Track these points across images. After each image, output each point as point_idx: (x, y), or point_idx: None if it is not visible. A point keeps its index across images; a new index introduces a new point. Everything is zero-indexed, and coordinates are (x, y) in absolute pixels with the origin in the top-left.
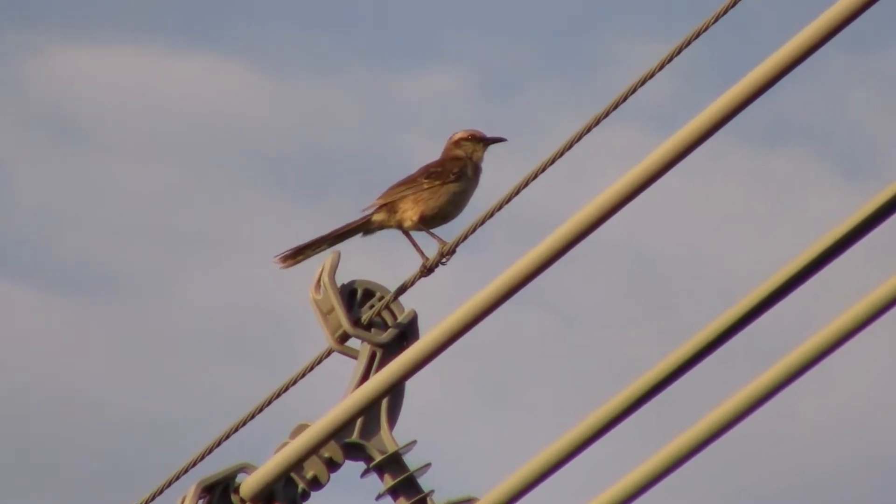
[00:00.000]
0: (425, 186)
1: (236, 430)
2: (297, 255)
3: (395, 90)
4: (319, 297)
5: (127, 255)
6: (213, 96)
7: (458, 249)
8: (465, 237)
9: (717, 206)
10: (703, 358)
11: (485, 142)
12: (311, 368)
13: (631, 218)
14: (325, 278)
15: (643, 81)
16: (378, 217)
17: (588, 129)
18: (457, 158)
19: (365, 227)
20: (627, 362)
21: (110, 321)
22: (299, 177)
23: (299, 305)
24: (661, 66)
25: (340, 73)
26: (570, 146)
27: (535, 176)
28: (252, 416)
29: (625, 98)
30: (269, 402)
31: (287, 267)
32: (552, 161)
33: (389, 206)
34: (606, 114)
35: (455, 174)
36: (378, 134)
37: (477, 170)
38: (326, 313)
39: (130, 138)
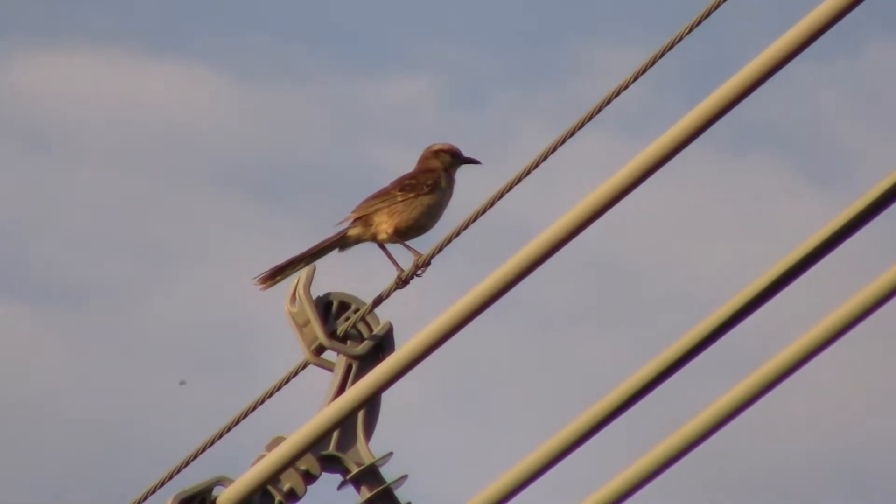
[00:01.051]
0: (399, 199)
1: (212, 442)
2: (276, 275)
3: (361, 98)
4: (295, 309)
5: (95, 265)
6: (181, 104)
7: (433, 261)
8: (440, 249)
9: (687, 214)
10: (680, 366)
11: (460, 159)
12: (288, 381)
13: (601, 224)
14: (301, 291)
15: (619, 92)
16: (354, 231)
17: (563, 141)
18: (431, 170)
19: (341, 242)
20: (604, 369)
21: (79, 333)
22: (268, 185)
23: (274, 317)
24: (636, 77)
25: (307, 81)
26: (544, 157)
27: (510, 188)
28: (228, 429)
29: (600, 109)
30: (246, 415)
31: (266, 288)
32: (527, 172)
33: (364, 220)
34: (582, 125)
35: (429, 186)
36: (345, 142)
37: (451, 181)
38: (302, 325)
39: (98, 147)
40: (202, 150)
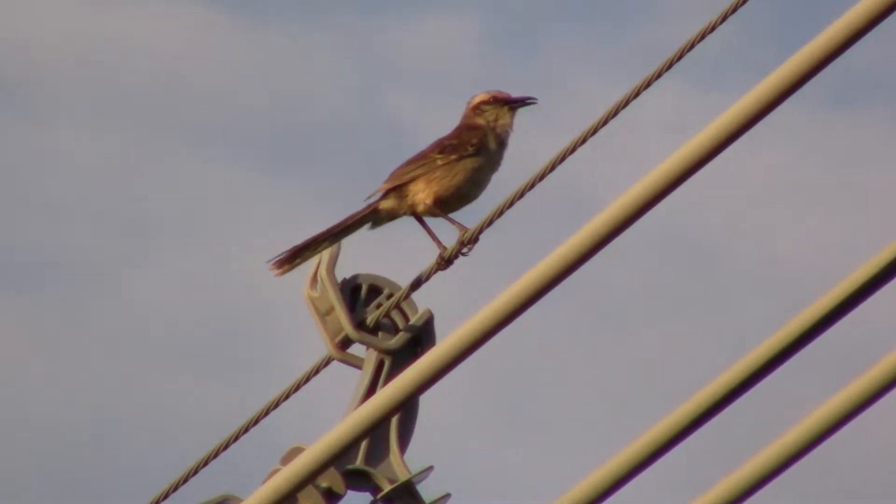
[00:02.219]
0: (439, 163)
1: (216, 454)
2: (294, 257)
3: (387, 40)
4: (316, 294)
5: (68, 240)
6: (170, 49)
7: (481, 237)
8: (489, 222)
9: (772, 180)
10: (775, 366)
11: (511, 105)
12: (307, 380)
13: (671, 196)
14: (323, 272)
15: (702, 36)
16: (386, 204)
17: (636, 93)
18: (475, 128)
19: (372, 217)
20: (679, 368)
21: (44, 319)
22: (274, 146)
23: (290, 303)
24: (724, 18)
25: (322, 18)
26: (614, 113)
27: (573, 149)
28: (236, 438)
29: (681, 55)
30: (257, 421)
31: (283, 273)
32: (593, 131)
33: (398, 191)
34: (659, 74)
35: (474, 146)
36: (367, 92)
37: (501, 140)
38: (325, 314)
39: (69, 102)
40: (195, 103)
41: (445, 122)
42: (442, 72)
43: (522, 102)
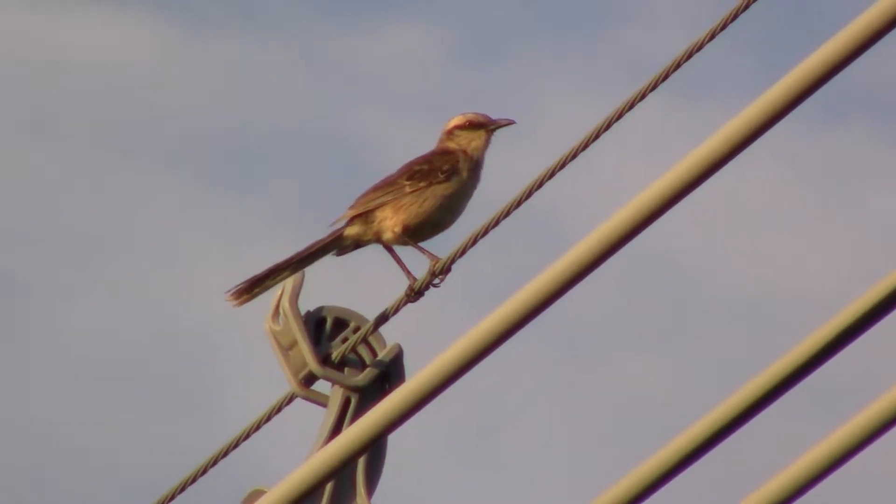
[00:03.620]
0: (407, 190)
1: (171, 497)
2: (253, 287)
3: (350, 51)
4: (278, 327)
5: (3, 261)
6: (115, 59)
7: (453, 267)
8: (462, 251)
9: (755, 199)
10: (767, 403)
11: (486, 128)
12: (268, 418)
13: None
14: (286, 304)
15: (689, 55)
16: (351, 231)
17: (618, 116)
18: (448, 153)
19: (336, 244)
20: (650, 398)
21: None
22: (227, 162)
23: (248, 336)
24: (713, 35)
25: (280, 29)
26: (595, 136)
27: (552, 174)
28: (192, 480)
29: (665, 76)
30: (215, 462)
31: (241, 304)
32: (573, 155)
33: (364, 217)
34: (643, 95)
35: (445, 173)
36: (328, 106)
37: (475, 166)
38: (287, 348)
39: (10, 114)
40: (143, 116)
41: (411, 137)
42: (408, 84)
43: (499, 125)
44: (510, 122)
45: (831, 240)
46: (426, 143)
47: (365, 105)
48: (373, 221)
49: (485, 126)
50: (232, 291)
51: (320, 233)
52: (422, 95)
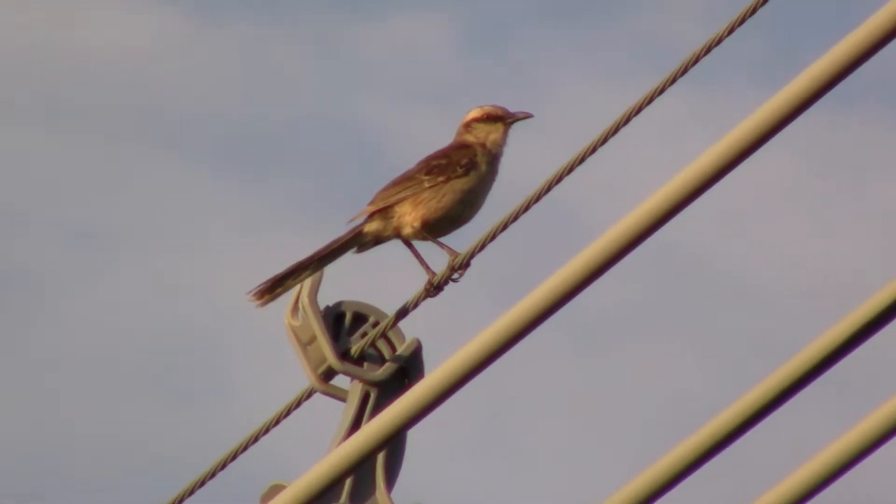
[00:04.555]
0: (426, 185)
1: (191, 492)
2: (275, 287)
3: (356, 41)
4: (298, 323)
5: (13, 252)
6: (127, 48)
7: (472, 262)
8: (481, 246)
9: (768, 187)
10: (792, 394)
11: (504, 121)
12: (287, 413)
13: None
14: (305, 299)
15: (708, 49)
16: (371, 227)
17: (638, 109)
18: (466, 146)
19: (356, 241)
20: (664, 389)
21: None
22: (237, 152)
23: (268, 331)
24: (731, 30)
25: (287, 18)
26: (614, 131)
27: (571, 169)
28: (212, 475)
29: (684, 70)
30: (234, 456)
31: (264, 304)
32: (592, 149)
33: (383, 213)
34: (662, 89)
35: (463, 167)
36: (336, 97)
37: (493, 159)
38: (307, 344)
39: (12, 100)
40: (153, 106)
41: (418, 128)
42: (415, 75)
43: (517, 118)
44: (528, 116)
45: (847, 228)
46: (433, 134)
47: (371, 95)
48: (392, 217)
49: (503, 119)
50: (254, 292)
51: (332, 223)
52: (429, 86)
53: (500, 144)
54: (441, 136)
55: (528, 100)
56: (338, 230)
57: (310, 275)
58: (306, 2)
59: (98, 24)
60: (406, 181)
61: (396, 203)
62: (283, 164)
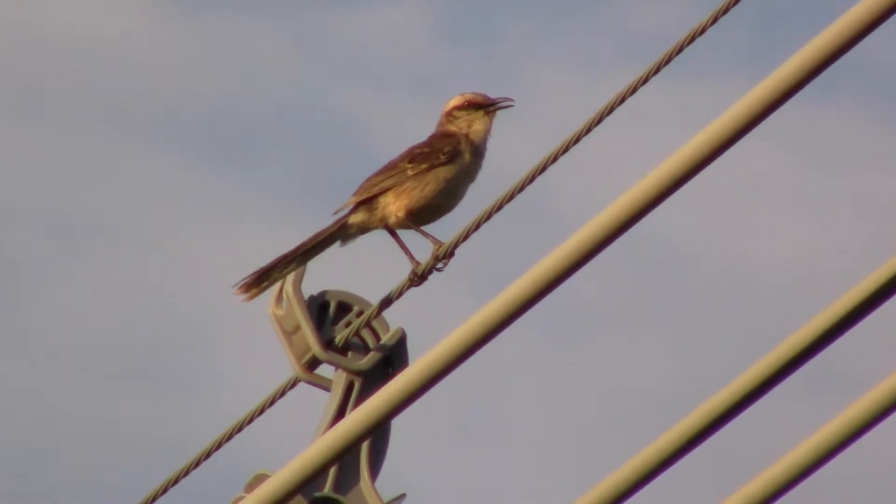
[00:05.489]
0: (409, 173)
1: (175, 481)
2: (261, 280)
3: (336, 30)
4: (282, 312)
5: None
6: (104, 36)
7: (456, 251)
8: (465, 235)
9: (745, 178)
10: (771, 386)
11: (486, 108)
12: (272, 402)
13: None
14: (289, 289)
15: (692, 38)
16: (356, 218)
17: (622, 99)
18: (449, 135)
19: (341, 233)
20: (643, 379)
21: None
22: (216, 140)
23: (251, 320)
24: (715, 19)
25: (266, 7)
26: (598, 121)
27: (555, 158)
28: (196, 464)
29: (668, 59)
30: (219, 446)
31: (251, 298)
32: (576, 139)
33: (368, 204)
34: (646, 78)
35: (446, 155)
36: (314, 86)
37: (477, 148)
38: (291, 333)
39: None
40: (132, 95)
41: (398, 116)
42: (393, 64)
43: (498, 106)
44: (509, 103)
45: (824, 218)
46: (412, 122)
47: (350, 84)
48: (377, 207)
49: (483, 107)
50: (239, 285)
51: (312, 213)
52: (408, 74)
53: (484, 133)
54: (420, 125)
55: (506, 88)
56: (318, 219)
57: (295, 268)
58: None
59: (72, 13)
60: (389, 170)
61: (380, 193)
62: (262, 154)
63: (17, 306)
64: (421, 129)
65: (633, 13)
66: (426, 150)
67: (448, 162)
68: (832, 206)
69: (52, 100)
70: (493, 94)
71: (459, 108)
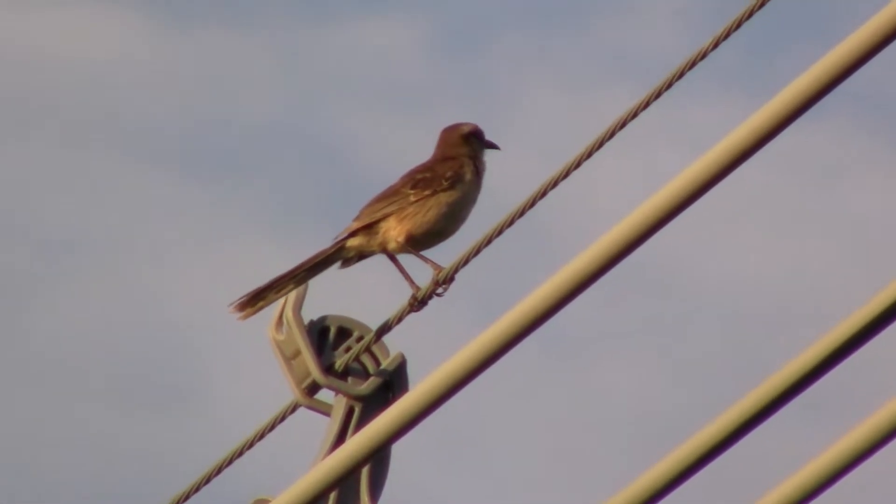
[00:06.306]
0: (412, 199)
1: None
2: (257, 300)
3: (325, 46)
4: (282, 337)
5: None
6: (93, 54)
7: (457, 276)
8: (465, 261)
9: (733, 195)
10: (772, 411)
11: (484, 143)
12: (272, 427)
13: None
14: (290, 313)
15: (692, 63)
16: (354, 242)
17: (622, 124)
18: (451, 158)
19: (340, 255)
20: (638, 399)
21: None
22: (203, 158)
23: (252, 345)
24: (717, 44)
25: (255, 25)
26: (598, 145)
27: (555, 183)
28: (196, 489)
29: (669, 85)
30: (219, 471)
31: (246, 317)
32: (577, 164)
33: (368, 228)
34: (647, 103)
35: (448, 180)
36: (304, 103)
37: (479, 172)
38: (291, 358)
39: None
40: (119, 112)
41: (386, 135)
42: (383, 81)
43: (489, 145)
44: (495, 147)
45: (811, 236)
46: (401, 140)
47: (341, 100)
48: (377, 233)
49: (482, 139)
50: (235, 304)
51: (302, 230)
52: (397, 92)
53: (483, 158)
54: (409, 143)
55: (496, 108)
56: (308, 236)
57: (292, 289)
58: (274, 7)
59: (62, 30)
60: (391, 196)
61: (382, 218)
62: (252, 171)
63: (10, 323)
64: (410, 147)
65: (625, 34)
66: (428, 175)
67: (450, 187)
68: (824, 226)
69: (44, 116)
70: (483, 123)
71: (476, 134)
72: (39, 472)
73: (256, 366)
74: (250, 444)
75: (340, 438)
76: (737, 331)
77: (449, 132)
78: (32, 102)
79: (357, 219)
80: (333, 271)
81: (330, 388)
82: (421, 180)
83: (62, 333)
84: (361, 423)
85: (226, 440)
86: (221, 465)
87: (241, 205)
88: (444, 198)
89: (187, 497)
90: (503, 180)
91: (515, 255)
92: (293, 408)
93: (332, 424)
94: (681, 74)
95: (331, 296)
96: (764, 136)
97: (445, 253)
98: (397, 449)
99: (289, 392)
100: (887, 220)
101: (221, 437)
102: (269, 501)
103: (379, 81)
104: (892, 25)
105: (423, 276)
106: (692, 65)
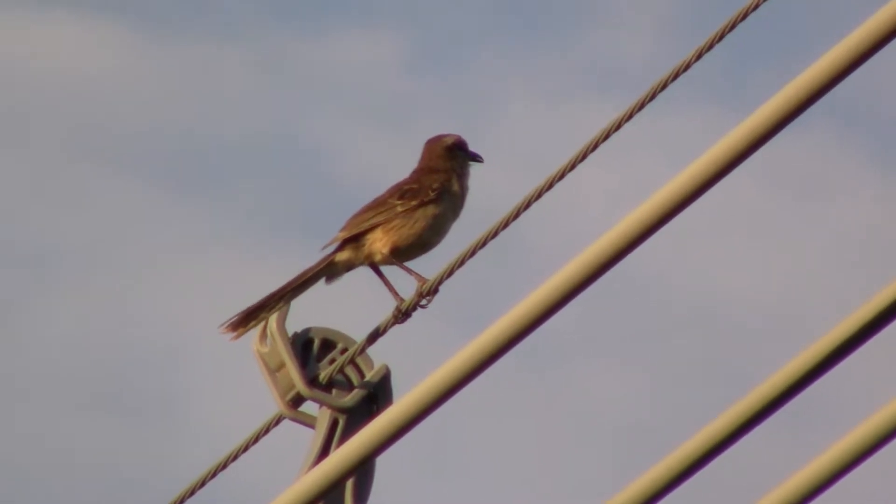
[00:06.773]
0: (399, 210)
1: None
2: (248, 319)
3: (307, 58)
4: (266, 349)
5: None
6: (75, 65)
7: (440, 288)
8: (449, 272)
9: (714, 206)
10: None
11: (468, 155)
12: (256, 440)
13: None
14: (273, 326)
15: (675, 75)
16: (342, 256)
17: (606, 136)
18: (436, 171)
19: (327, 270)
20: (616, 408)
21: None
22: (186, 170)
23: (234, 357)
24: (700, 55)
25: (236, 37)
26: (582, 157)
27: (539, 195)
28: (180, 502)
29: (653, 96)
30: (203, 484)
31: (237, 337)
32: (561, 175)
33: (355, 240)
34: (630, 115)
35: (435, 191)
36: (283, 115)
37: (464, 184)
38: (275, 370)
39: None
40: (102, 124)
41: (365, 147)
42: (364, 93)
43: (476, 158)
44: (479, 159)
45: (792, 247)
46: (380, 153)
47: (322, 112)
48: (363, 244)
49: (466, 151)
50: (226, 325)
51: (282, 242)
52: (376, 105)
53: (468, 170)
54: (393, 156)
55: (479, 120)
56: (291, 249)
57: (282, 306)
58: (257, 21)
59: (44, 43)
60: (378, 206)
61: (368, 230)
62: (233, 183)
63: None
64: (393, 160)
65: (607, 47)
66: (415, 186)
67: (437, 199)
68: (809, 237)
69: (22, 129)
70: (466, 134)
71: (461, 147)
72: (23, 489)
73: (240, 378)
74: (235, 457)
75: (325, 451)
76: (719, 342)
77: (433, 144)
78: (10, 115)
79: (344, 229)
80: (318, 285)
81: (314, 400)
82: (408, 191)
83: (43, 348)
84: (346, 436)
85: (210, 453)
86: (205, 479)
87: (223, 217)
88: (431, 210)
89: None
90: (487, 192)
91: (500, 267)
92: (277, 420)
93: (316, 437)
94: (664, 86)
95: (314, 308)
96: (746, 149)
97: (429, 265)
98: (382, 461)
99: (273, 404)
100: (868, 233)
101: (205, 451)
102: None
103: (362, 94)
104: (872, 40)
105: (407, 287)
106: (675, 76)
